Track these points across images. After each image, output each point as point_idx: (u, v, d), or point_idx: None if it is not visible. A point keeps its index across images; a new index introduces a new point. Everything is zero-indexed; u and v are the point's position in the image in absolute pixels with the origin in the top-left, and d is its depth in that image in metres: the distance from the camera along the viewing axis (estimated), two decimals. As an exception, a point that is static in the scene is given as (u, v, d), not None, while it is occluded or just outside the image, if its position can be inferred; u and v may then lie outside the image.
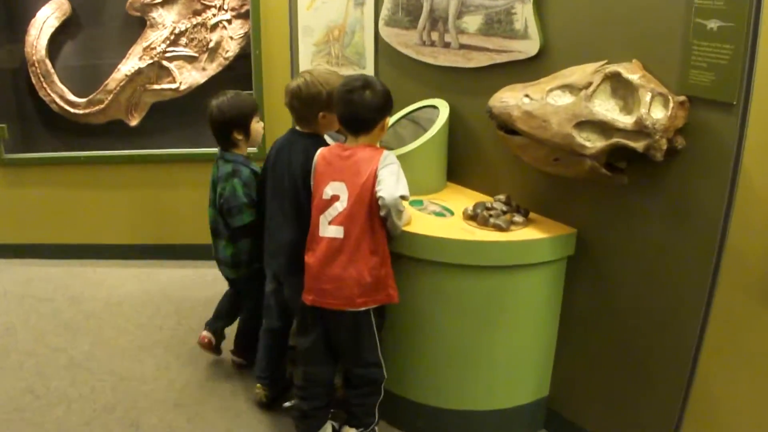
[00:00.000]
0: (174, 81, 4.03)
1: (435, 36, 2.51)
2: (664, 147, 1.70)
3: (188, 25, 3.92)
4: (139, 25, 3.96)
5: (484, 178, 2.50)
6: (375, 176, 2.04)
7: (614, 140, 1.77)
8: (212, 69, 4.01)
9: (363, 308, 2.09)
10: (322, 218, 2.11)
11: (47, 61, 4.05)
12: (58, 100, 4.12)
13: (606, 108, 1.82)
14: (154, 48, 3.96)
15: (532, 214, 2.25)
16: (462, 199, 2.46)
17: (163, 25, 3.92)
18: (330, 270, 2.09)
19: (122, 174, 4.19)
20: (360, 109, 2.08)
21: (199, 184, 4.12)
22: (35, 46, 4.00)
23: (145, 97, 4.11)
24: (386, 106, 2.12)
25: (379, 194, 2.01)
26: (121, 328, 3.44)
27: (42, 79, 4.08)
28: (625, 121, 1.75)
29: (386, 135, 2.58)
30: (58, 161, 4.16)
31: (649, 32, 1.79)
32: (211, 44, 3.94)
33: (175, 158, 4.13)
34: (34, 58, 4.03)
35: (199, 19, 3.90)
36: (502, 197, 2.27)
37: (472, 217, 2.21)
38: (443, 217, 2.28)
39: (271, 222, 2.41)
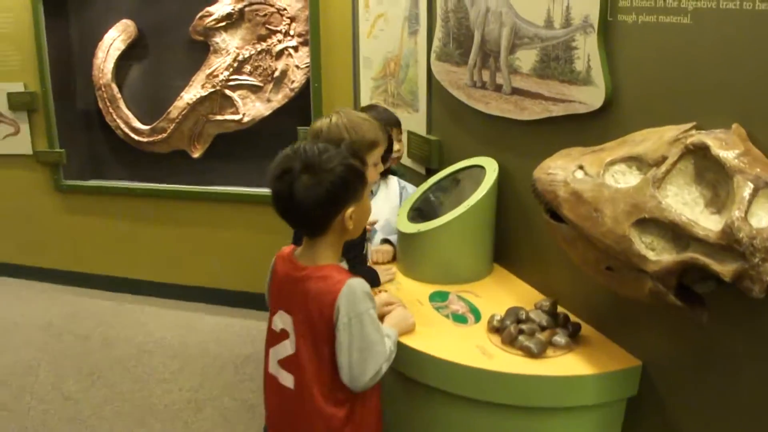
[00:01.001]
0: (237, 112, 3.70)
1: (486, 75, 1.92)
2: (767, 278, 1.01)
3: (252, 52, 3.58)
4: (204, 49, 3.68)
5: (535, 267, 1.86)
6: (332, 325, 1.43)
7: (688, 255, 1.09)
8: (277, 101, 3.64)
9: None
10: (272, 352, 1.57)
11: (113, 86, 3.88)
12: (123, 126, 3.94)
13: (683, 200, 1.16)
14: (217, 75, 3.65)
15: (586, 329, 1.59)
16: (502, 295, 1.83)
17: (227, 51, 3.61)
18: (281, 421, 1.58)
19: (180, 210, 3.92)
20: (297, 206, 1.42)
21: (257, 227, 3.77)
22: (102, 69, 3.84)
23: (208, 128, 3.83)
24: (341, 194, 1.43)
25: (341, 376, 1.44)
26: (141, 381, 3.12)
27: (108, 103, 3.92)
28: (707, 226, 1.07)
29: (419, 200, 2.02)
30: (116, 191, 3.97)
31: (764, 80, 1.11)
32: (277, 73, 3.57)
33: (235, 198, 3.79)
34: (100, 81, 3.87)
35: (263, 45, 3.55)
36: (546, 303, 1.63)
37: (498, 329, 1.59)
38: (463, 324, 1.68)
39: None
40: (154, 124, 3.88)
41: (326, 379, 1.46)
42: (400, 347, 1.55)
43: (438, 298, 1.82)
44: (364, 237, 1.94)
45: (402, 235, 1.98)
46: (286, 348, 1.51)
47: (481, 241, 1.94)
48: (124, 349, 3.44)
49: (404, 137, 2.49)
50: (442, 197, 2.09)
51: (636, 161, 1.29)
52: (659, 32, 1.29)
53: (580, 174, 1.40)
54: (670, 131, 1.25)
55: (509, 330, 1.53)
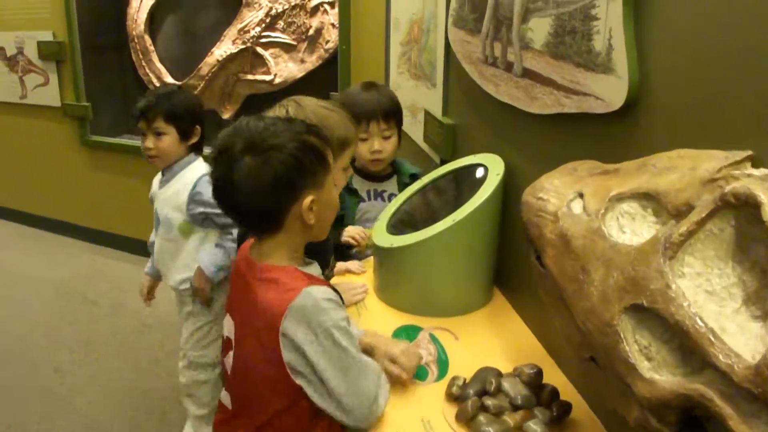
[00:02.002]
0: (268, 72, 3.35)
1: (498, 49, 1.46)
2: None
3: (286, 7, 3.19)
4: (238, 2, 3.33)
5: (536, 306, 1.42)
6: (278, 346, 1.08)
7: (696, 388, 0.64)
8: (311, 62, 3.26)
9: None
10: (225, 359, 1.25)
11: (146, 37, 3.61)
12: (155, 80, 3.68)
13: (709, 286, 0.70)
14: (248, 31, 3.30)
15: (579, 412, 1.14)
16: (487, 339, 1.41)
17: (259, 5, 3.24)
18: None
19: (207, 173, 3.63)
20: (239, 194, 1.10)
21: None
22: (135, 19, 3.57)
23: (238, 87, 3.51)
24: (295, 177, 1.10)
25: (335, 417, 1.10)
26: (133, 359, 2.92)
27: (141, 56, 3.65)
28: (737, 348, 0.61)
29: (408, 203, 1.61)
30: (140, 150, 3.71)
31: None
32: (311, 31, 3.18)
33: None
34: (134, 33, 3.60)
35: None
36: (529, 371, 1.18)
37: (457, 398, 1.17)
38: (420, 381, 1.26)
39: None
40: (185, 80, 3.59)
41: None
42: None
43: (404, 335, 1.41)
44: (326, 247, 1.55)
45: (377, 249, 1.57)
46: (229, 360, 1.20)
47: (473, 264, 1.50)
48: (128, 320, 3.24)
49: (409, 127, 2.05)
50: (436, 201, 1.66)
51: (653, 201, 0.83)
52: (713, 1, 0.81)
53: (577, 206, 0.96)
54: (711, 160, 0.78)
55: (466, 405, 1.11)
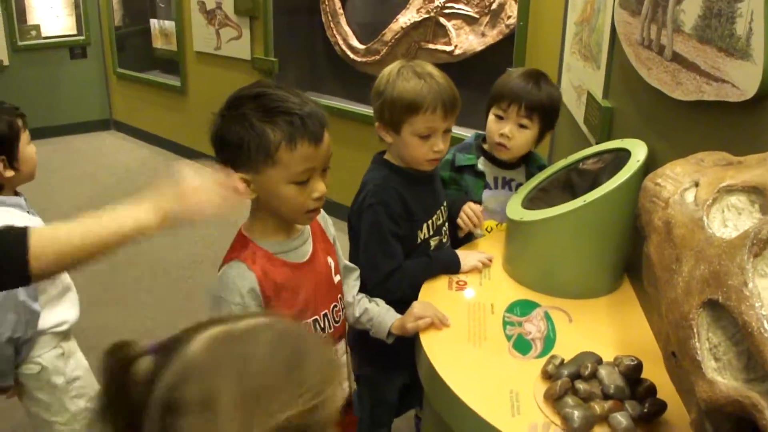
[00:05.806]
0: (449, 43, 3.42)
1: (653, 31, 1.40)
2: None
3: (470, -22, 3.22)
4: (426, -29, 3.41)
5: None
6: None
7: (749, 397, 0.61)
8: (492, 36, 3.27)
9: None
10: None
11: (336, 0, 3.81)
12: (341, 42, 3.90)
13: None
14: (433, 1, 3.38)
15: (672, 413, 1.08)
16: (602, 326, 1.38)
17: (445, -25, 3.30)
18: None
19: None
20: None
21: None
22: (327, -19, 3.79)
23: (419, 55, 3.60)
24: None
25: None
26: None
27: (330, 17, 3.88)
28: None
29: (548, 180, 1.62)
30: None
31: None
32: (494, 5, 3.18)
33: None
34: (324, -6, 3.84)
35: (482, -29, 3.16)
36: (629, 362, 1.14)
37: (550, 377, 1.17)
38: (521, 354, 1.28)
39: None
40: (370, 44, 3.77)
41: None
42: (427, 363, 1.23)
43: (519, 309, 1.42)
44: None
45: (508, 221, 1.59)
46: None
47: (601, 249, 1.47)
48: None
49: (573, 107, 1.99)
50: (577, 182, 1.63)
51: (761, 196, 0.78)
52: None
53: (690, 195, 0.92)
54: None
55: (556, 385, 1.11)
